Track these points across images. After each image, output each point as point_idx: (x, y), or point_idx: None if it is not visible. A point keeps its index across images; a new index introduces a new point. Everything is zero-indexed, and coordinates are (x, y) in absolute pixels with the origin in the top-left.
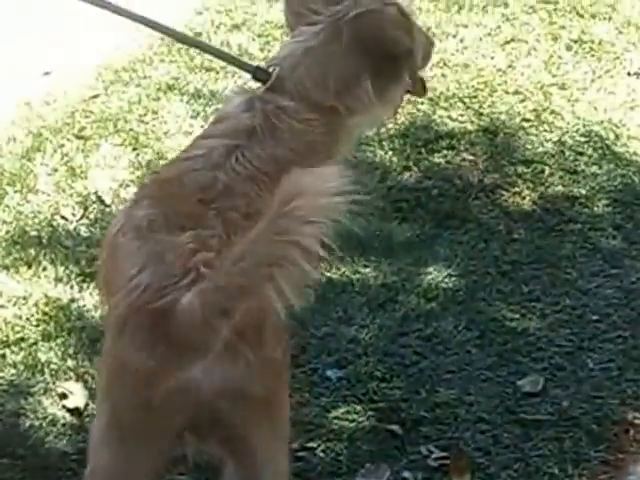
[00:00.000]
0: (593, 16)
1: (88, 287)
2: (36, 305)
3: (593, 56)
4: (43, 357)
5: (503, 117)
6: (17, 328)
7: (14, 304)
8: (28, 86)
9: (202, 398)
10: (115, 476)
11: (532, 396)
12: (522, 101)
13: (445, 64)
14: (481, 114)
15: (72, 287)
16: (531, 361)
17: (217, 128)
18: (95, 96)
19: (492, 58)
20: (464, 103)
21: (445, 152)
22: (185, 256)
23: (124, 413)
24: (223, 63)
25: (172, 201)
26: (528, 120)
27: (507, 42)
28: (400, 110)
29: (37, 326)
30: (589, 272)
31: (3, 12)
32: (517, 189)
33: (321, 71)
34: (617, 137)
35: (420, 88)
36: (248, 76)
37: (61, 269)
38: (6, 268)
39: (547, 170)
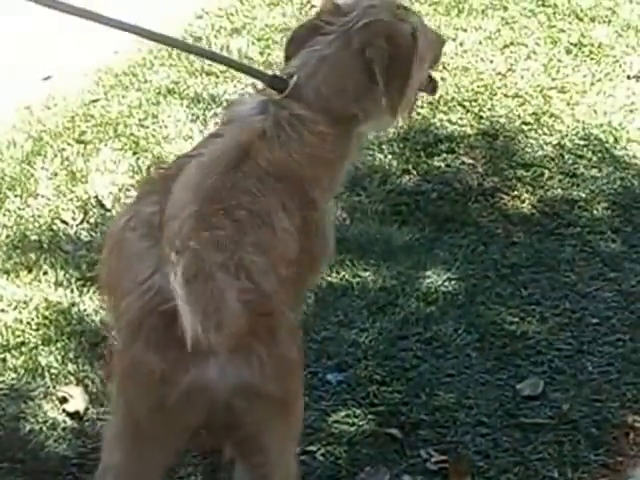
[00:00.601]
0: (592, 19)
1: (88, 291)
2: (36, 309)
3: (592, 59)
4: (43, 361)
5: (502, 120)
6: (17, 332)
7: (14, 308)
8: (28, 90)
9: (216, 397)
10: (127, 475)
11: (531, 399)
12: (521, 104)
13: (444, 68)
14: (480, 117)
15: (72, 291)
16: (530, 364)
17: (227, 128)
18: (95, 100)
19: (491, 62)
20: (463, 107)
21: (444, 156)
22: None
23: (139, 413)
24: (223, 67)
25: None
26: (527, 123)
27: (506, 46)
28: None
29: (37, 330)
30: (588, 275)
31: (3, 16)
32: (516, 192)
33: (338, 79)
34: (616, 140)
35: (431, 87)
36: (248, 80)
37: (61, 273)
38: (6, 272)
39: (546, 173)
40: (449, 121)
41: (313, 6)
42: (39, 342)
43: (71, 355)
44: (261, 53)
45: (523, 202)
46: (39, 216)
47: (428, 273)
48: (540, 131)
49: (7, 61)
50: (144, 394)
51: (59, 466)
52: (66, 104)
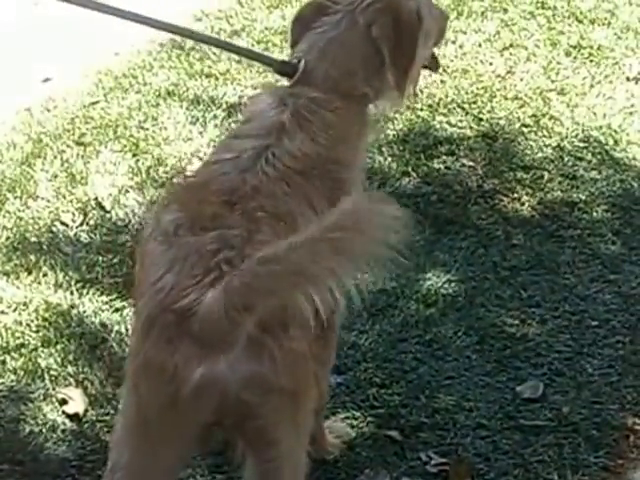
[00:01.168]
0: (592, 22)
1: (88, 293)
2: (36, 311)
3: (592, 61)
4: (43, 363)
5: (502, 123)
6: (17, 334)
7: (14, 310)
8: (28, 92)
9: (227, 392)
10: (138, 474)
11: (531, 402)
12: (521, 107)
13: (444, 70)
14: (480, 120)
15: (72, 293)
16: (530, 367)
17: (246, 127)
18: (95, 102)
19: (491, 64)
20: (463, 109)
21: (444, 158)
22: (207, 256)
23: (150, 410)
24: (223, 69)
25: (199, 204)
26: (527, 125)
27: (506, 48)
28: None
29: (37, 332)
30: (588, 278)
31: (3, 19)
32: (516, 195)
33: (347, 59)
34: (616, 142)
35: (434, 63)
36: (248, 82)
37: (61, 275)
38: (6, 274)
39: (546, 175)
40: (449, 123)
41: None
42: (39, 344)
43: (71, 357)
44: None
45: (523, 204)
46: (39, 218)
47: (428, 275)
48: (540, 133)
49: (7, 63)
50: (156, 391)
51: (59, 468)
52: (66, 106)
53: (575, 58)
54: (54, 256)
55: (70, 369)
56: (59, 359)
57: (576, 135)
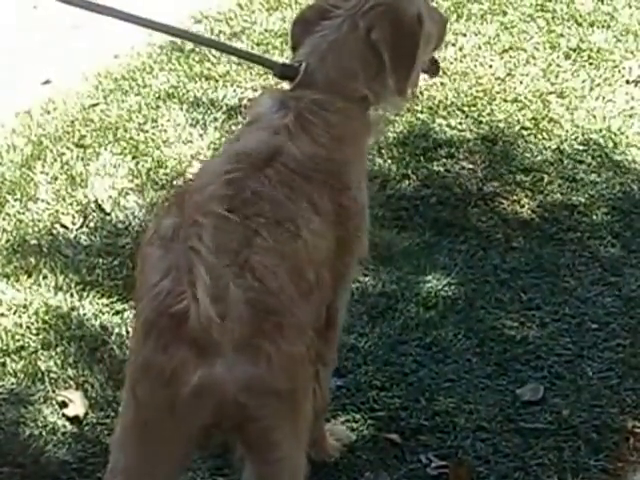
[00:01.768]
0: (591, 24)
1: (88, 296)
2: (36, 314)
3: (591, 64)
4: (43, 366)
5: (502, 125)
6: (17, 337)
7: (14, 312)
8: (28, 95)
9: (225, 395)
10: (136, 475)
11: (532, 405)
12: (521, 109)
13: (444, 72)
14: (480, 122)
15: (72, 295)
16: (530, 370)
17: (249, 131)
18: (95, 104)
19: (491, 66)
20: (463, 111)
21: (444, 160)
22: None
23: (148, 413)
24: (222, 72)
25: (198, 209)
26: (527, 128)
27: (505, 50)
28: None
29: (37, 335)
30: (588, 280)
31: (3, 21)
32: (516, 197)
33: (348, 62)
34: (616, 145)
35: (434, 68)
36: (248, 84)
37: (61, 278)
38: (6, 276)
39: (546, 178)
40: (448, 126)
41: None
42: (39, 346)
43: (71, 360)
44: None
45: (523, 207)
46: (39, 220)
47: (428, 278)
48: (539, 136)
49: (7, 65)
50: (154, 393)
51: (59, 470)
52: (66, 108)
53: (575, 61)
54: (54, 258)
55: (70, 372)
56: (59, 362)
57: (576, 138)
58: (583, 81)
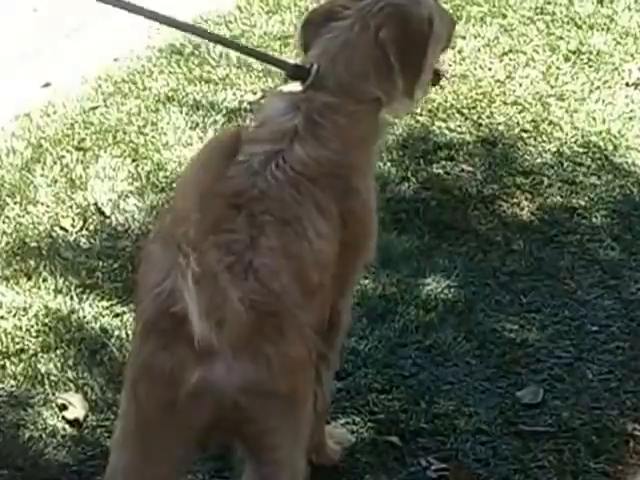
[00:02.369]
0: (591, 27)
1: (88, 298)
2: (36, 316)
3: (591, 67)
4: (43, 368)
5: (501, 128)
6: (17, 339)
7: (14, 315)
8: (28, 98)
9: (223, 396)
10: (136, 477)
11: (531, 407)
12: (520, 112)
13: (444, 75)
14: (479, 125)
15: (72, 298)
16: (530, 372)
17: (259, 132)
18: (95, 107)
19: (490, 69)
20: (462, 114)
21: (444, 163)
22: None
23: (148, 413)
24: (222, 74)
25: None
26: (526, 131)
27: (505, 53)
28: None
29: (37, 337)
30: (588, 283)
31: (2, 24)
32: (516, 200)
33: (359, 64)
34: (615, 148)
35: (435, 78)
36: (248, 87)
37: (61, 280)
38: (6, 279)
39: (546, 181)
40: (448, 128)
41: None
42: (38, 349)
43: (70, 362)
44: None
45: (522, 209)
46: (38, 223)
47: (427, 281)
48: (539, 139)
49: (7, 68)
50: (153, 394)
51: (59, 473)
52: (65, 111)
53: (574, 63)
54: (54, 261)
55: (70, 374)
56: (59, 364)
57: (575, 140)
58: (583, 84)
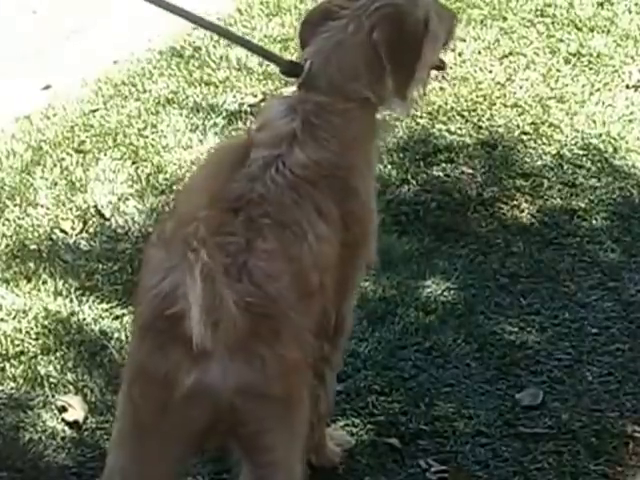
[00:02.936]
0: (591, 29)
1: (87, 301)
2: (35, 319)
3: (591, 69)
4: (42, 370)
5: (502, 130)
6: (17, 341)
7: (14, 317)
8: (28, 100)
9: (219, 398)
10: (132, 476)
11: (531, 409)
12: (520, 114)
13: (443, 77)
14: (480, 127)
15: (71, 301)
16: (530, 374)
17: (259, 137)
18: (94, 110)
19: (490, 72)
20: (462, 116)
21: (444, 165)
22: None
23: (144, 415)
24: (222, 77)
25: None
26: (527, 133)
27: (505, 55)
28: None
29: (36, 339)
30: (588, 285)
31: (2, 26)
32: (516, 202)
33: (351, 63)
34: (615, 150)
35: (441, 64)
36: (248, 90)
37: (60, 283)
38: (6, 282)
39: (546, 183)
40: (448, 131)
41: None
42: (38, 351)
43: (70, 364)
44: (260, 64)
45: (522, 212)
46: (38, 225)
47: (427, 283)
48: (539, 141)
49: (7, 71)
50: (149, 396)
51: (58, 475)
52: (65, 114)
53: (574, 66)
54: (54, 264)
55: (70, 376)
56: (59, 366)
57: (575, 143)
58: (583, 86)
